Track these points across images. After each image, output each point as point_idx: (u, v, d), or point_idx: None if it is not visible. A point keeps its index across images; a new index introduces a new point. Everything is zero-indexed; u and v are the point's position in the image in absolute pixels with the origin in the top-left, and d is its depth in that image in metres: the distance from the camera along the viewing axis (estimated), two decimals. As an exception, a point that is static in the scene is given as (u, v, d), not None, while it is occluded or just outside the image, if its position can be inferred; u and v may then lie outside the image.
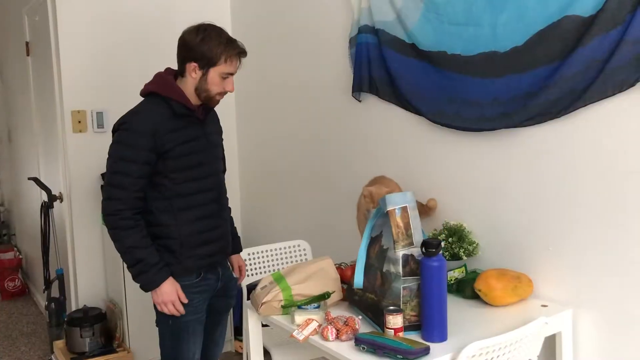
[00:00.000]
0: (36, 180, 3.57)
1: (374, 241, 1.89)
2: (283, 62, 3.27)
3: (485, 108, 2.14)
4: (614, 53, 1.75)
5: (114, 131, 2.03)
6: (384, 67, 2.52)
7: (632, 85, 1.74)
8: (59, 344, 3.32)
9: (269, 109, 3.44)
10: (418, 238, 1.77)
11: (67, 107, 3.27)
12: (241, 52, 2.03)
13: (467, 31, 2.16)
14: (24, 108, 4.46)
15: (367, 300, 1.86)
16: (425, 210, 2.34)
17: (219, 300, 2.23)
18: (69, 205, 3.34)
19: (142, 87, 3.63)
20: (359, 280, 1.86)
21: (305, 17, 3.06)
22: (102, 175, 3.35)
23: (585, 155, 1.91)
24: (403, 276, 1.74)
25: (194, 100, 2.05)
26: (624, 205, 1.82)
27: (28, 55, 4.07)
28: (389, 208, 1.79)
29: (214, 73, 1.99)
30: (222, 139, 2.25)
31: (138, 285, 2.02)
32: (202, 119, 2.09)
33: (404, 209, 1.79)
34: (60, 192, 3.44)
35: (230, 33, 2.08)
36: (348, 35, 2.70)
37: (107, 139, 3.33)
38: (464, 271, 2.16)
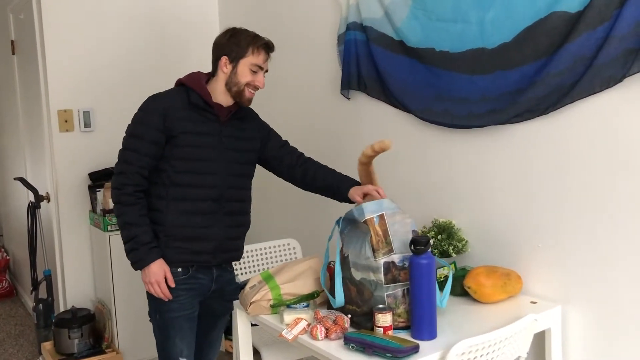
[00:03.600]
0: (23, 181, 3.53)
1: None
2: (271, 60, 3.25)
3: (474, 105, 2.13)
4: (601, 49, 1.76)
5: None
6: (373, 64, 2.52)
7: (619, 81, 1.74)
8: (47, 345, 3.29)
9: (257, 106, 3.41)
10: (397, 244, 1.75)
11: (53, 106, 3.24)
12: (267, 44, 2.08)
13: (455, 28, 2.16)
14: (9, 107, 4.42)
15: (348, 312, 1.82)
16: (373, 153, 2.02)
17: (216, 303, 2.20)
18: (56, 206, 3.31)
19: (129, 85, 3.63)
20: (340, 298, 1.81)
21: (293, 14, 3.04)
22: (90, 174, 3.33)
23: (573, 152, 1.91)
24: (385, 284, 1.73)
25: (223, 99, 2.08)
26: (613, 202, 1.82)
27: (13, 53, 4.03)
28: (367, 217, 1.78)
29: (243, 65, 2.04)
30: (259, 145, 2.23)
31: (130, 262, 2.04)
32: (224, 119, 2.09)
33: (382, 217, 1.78)
34: (47, 192, 3.41)
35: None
36: (336, 33, 2.69)
37: (94, 138, 3.36)
38: (454, 268, 2.15)
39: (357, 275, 1.79)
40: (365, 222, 1.78)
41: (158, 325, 2.10)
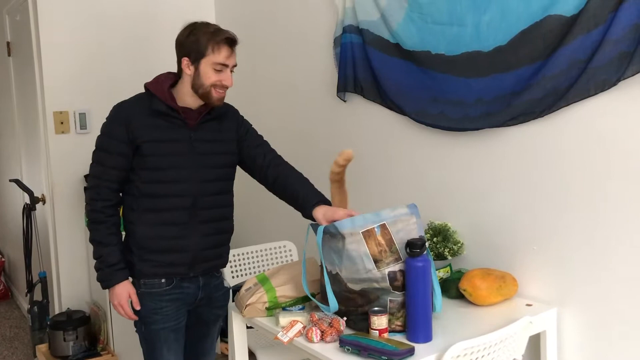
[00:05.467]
0: (18, 182, 3.52)
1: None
2: (268, 62, 3.25)
3: (469, 108, 2.14)
4: (596, 52, 1.76)
5: None
6: (369, 67, 2.52)
7: (614, 84, 1.75)
8: (42, 347, 3.27)
9: (253, 109, 3.41)
10: (404, 252, 1.72)
11: (49, 108, 3.23)
12: (229, 39, 1.93)
13: (450, 31, 2.16)
14: (5, 109, 4.40)
15: (346, 313, 1.80)
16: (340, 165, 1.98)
17: (205, 311, 2.13)
18: (51, 207, 3.30)
19: (126, 87, 3.60)
20: (333, 304, 1.78)
21: (290, 16, 3.04)
22: (85, 176, 3.32)
23: (568, 155, 1.91)
24: (393, 290, 1.72)
25: (192, 101, 1.96)
26: (608, 205, 1.83)
27: (9, 55, 4.02)
28: (368, 227, 1.73)
29: (204, 65, 1.92)
30: (236, 145, 2.08)
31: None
32: (192, 123, 1.97)
33: (384, 226, 1.74)
34: (42, 194, 3.40)
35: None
36: (332, 35, 2.70)
37: (90, 140, 3.32)
38: (449, 271, 2.16)
39: (356, 287, 1.76)
40: (364, 233, 1.74)
41: (144, 336, 2.04)
